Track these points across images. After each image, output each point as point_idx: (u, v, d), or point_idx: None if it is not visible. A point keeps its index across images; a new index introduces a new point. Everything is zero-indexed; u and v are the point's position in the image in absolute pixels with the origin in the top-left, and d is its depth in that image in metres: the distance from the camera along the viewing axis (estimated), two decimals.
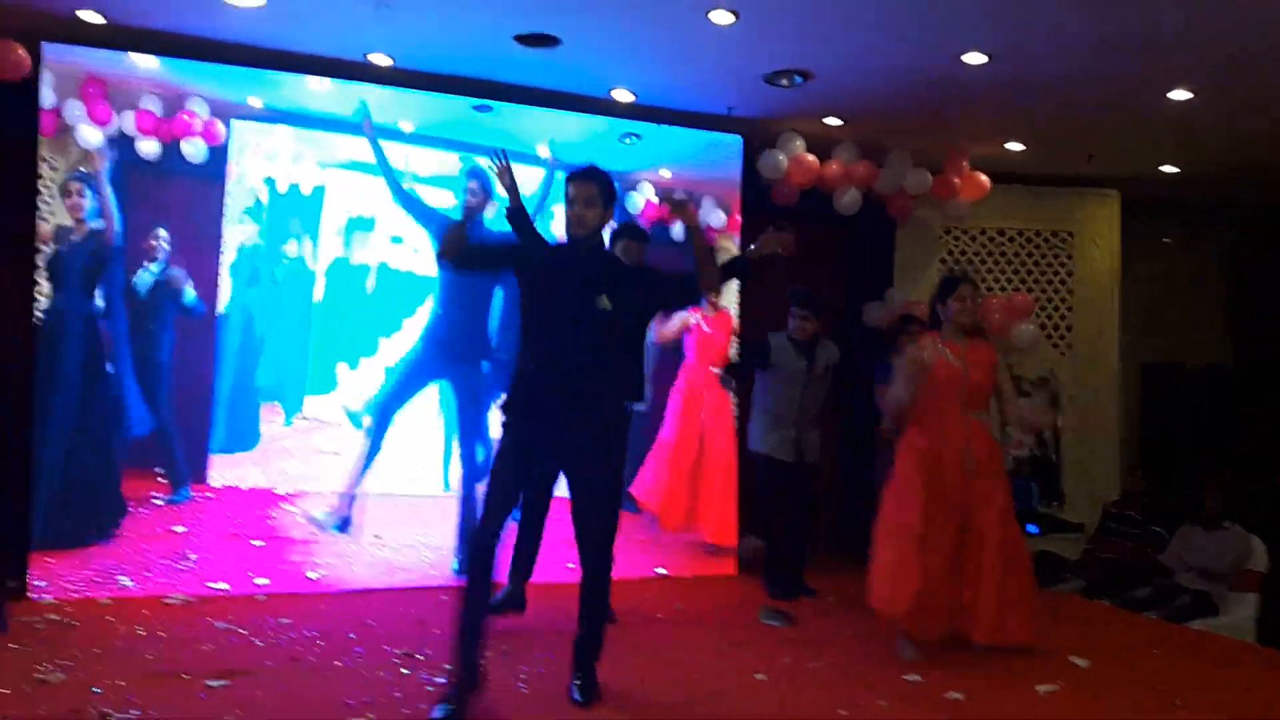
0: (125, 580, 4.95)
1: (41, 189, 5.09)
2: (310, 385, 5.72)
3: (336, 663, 3.98)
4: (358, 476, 5.39)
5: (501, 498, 3.48)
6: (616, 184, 3.71)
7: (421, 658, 4.07)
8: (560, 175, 5.36)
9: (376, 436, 5.36)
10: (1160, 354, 8.67)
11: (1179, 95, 5.62)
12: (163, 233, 5.30)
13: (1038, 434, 7.52)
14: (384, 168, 5.46)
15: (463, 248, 3.72)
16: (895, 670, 4.14)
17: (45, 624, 4.36)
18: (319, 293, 5.69)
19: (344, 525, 5.43)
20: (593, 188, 3.56)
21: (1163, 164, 7.11)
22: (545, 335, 3.51)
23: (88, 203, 5.02)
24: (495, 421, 4.18)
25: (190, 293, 5.33)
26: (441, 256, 3.75)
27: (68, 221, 5.06)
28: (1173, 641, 4.96)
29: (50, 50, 5.02)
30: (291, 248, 5.66)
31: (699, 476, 6.21)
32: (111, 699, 3.42)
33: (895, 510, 4.35)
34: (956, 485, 4.35)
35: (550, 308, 3.51)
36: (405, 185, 5.48)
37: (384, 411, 5.37)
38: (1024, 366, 7.57)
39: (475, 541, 3.53)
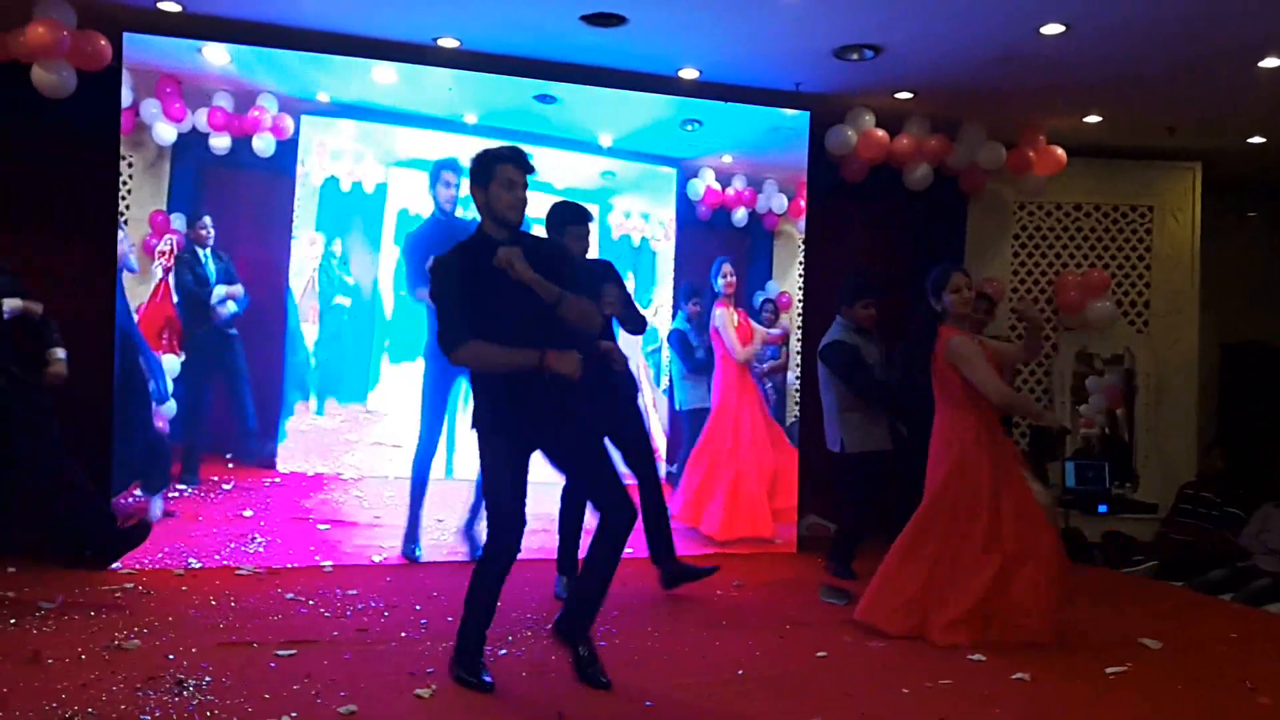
0: (194, 563, 5.09)
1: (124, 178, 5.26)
2: (371, 380, 5.81)
3: (401, 634, 4.07)
4: (409, 541, 5.43)
5: (513, 504, 3.44)
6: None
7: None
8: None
9: (417, 498, 5.40)
10: (1241, 333, 8.38)
11: (1269, 63, 5.40)
12: (207, 219, 5.41)
13: (1110, 414, 7.34)
14: None
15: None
16: (959, 650, 4.09)
17: (122, 593, 4.53)
18: (417, 294, 5.72)
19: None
20: (525, 174, 3.40)
21: (1250, 135, 6.86)
22: (505, 338, 3.33)
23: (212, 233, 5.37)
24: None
25: (232, 306, 5.46)
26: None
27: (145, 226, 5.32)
28: (1249, 625, 4.82)
29: (130, 41, 5.16)
30: (356, 246, 5.73)
31: (736, 459, 6.15)
32: (185, 666, 3.54)
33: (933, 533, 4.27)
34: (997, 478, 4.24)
35: (501, 311, 3.33)
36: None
37: (422, 468, 5.38)
38: (1099, 344, 7.40)
39: (502, 551, 3.48)
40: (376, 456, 5.71)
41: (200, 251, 5.38)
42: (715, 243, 5.65)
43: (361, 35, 5.46)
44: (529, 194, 3.44)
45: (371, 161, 5.69)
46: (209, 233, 5.40)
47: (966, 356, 4.20)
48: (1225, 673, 3.95)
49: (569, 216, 4.46)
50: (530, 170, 3.42)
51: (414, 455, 5.40)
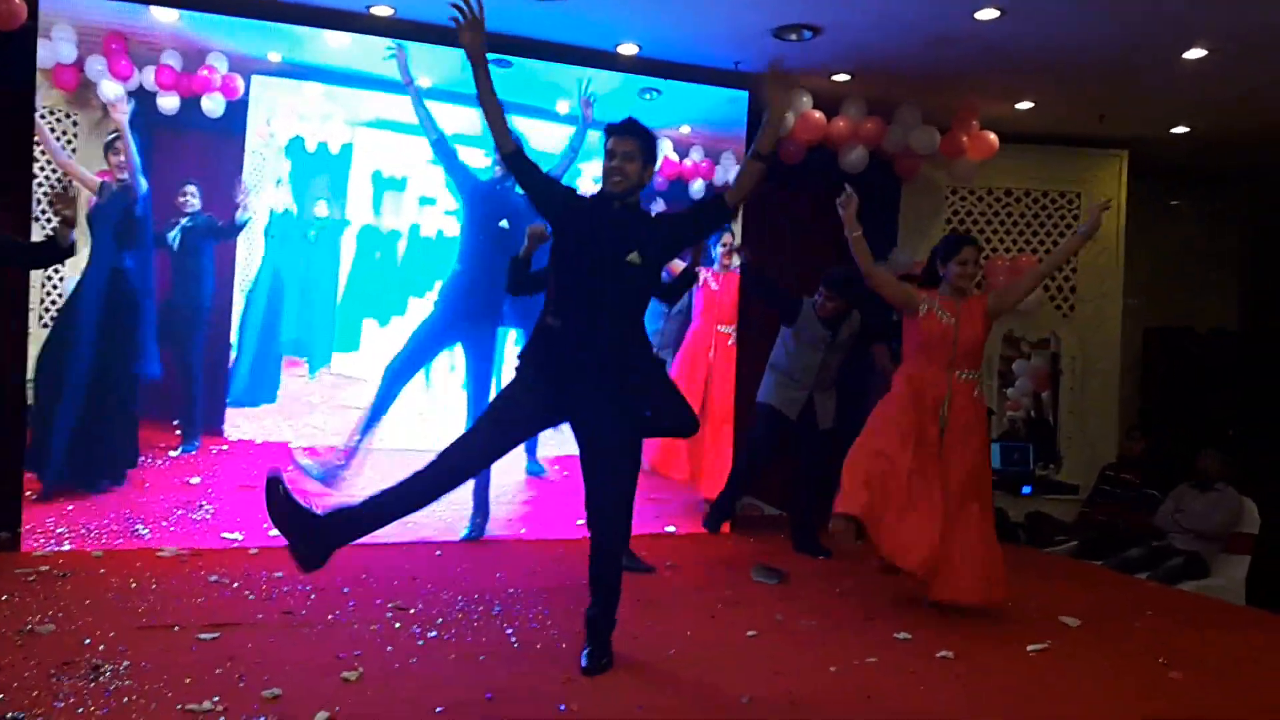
0: (141, 529, 4.99)
1: (38, 140, 5.05)
2: (339, 342, 5.74)
3: (329, 616, 4.00)
4: (359, 434, 5.38)
5: (490, 435, 3.44)
6: (656, 141, 3.59)
7: (412, 611, 4.09)
8: (595, 132, 5.33)
9: (384, 398, 5.36)
10: (1164, 318, 8.62)
11: (1194, 53, 5.52)
12: (192, 188, 5.31)
13: (1035, 396, 7.51)
14: (424, 119, 5.38)
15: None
16: (885, 628, 4.16)
17: (37, 576, 4.37)
18: (349, 252, 5.67)
19: (328, 477, 5.32)
20: (633, 143, 3.48)
21: (1174, 125, 7.02)
22: (575, 289, 3.46)
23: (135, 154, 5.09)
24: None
25: (244, 213, 5.35)
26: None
27: (97, 177, 5.12)
28: (1163, 602, 4.98)
29: (48, 5, 4.94)
30: (321, 207, 5.64)
31: (700, 436, 6.20)
32: (101, 650, 3.44)
33: (870, 437, 4.40)
34: (932, 438, 4.37)
35: (582, 263, 3.46)
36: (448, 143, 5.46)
37: (396, 375, 5.36)
38: (1026, 329, 7.54)
39: (450, 463, 3.43)
40: (341, 420, 5.60)
41: (178, 220, 5.27)
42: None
43: (294, 1, 5.30)
44: None
45: (338, 123, 5.59)
46: (189, 200, 5.29)
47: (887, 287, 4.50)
48: (1141, 649, 4.08)
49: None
50: (620, 134, 3.49)
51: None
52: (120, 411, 5.13)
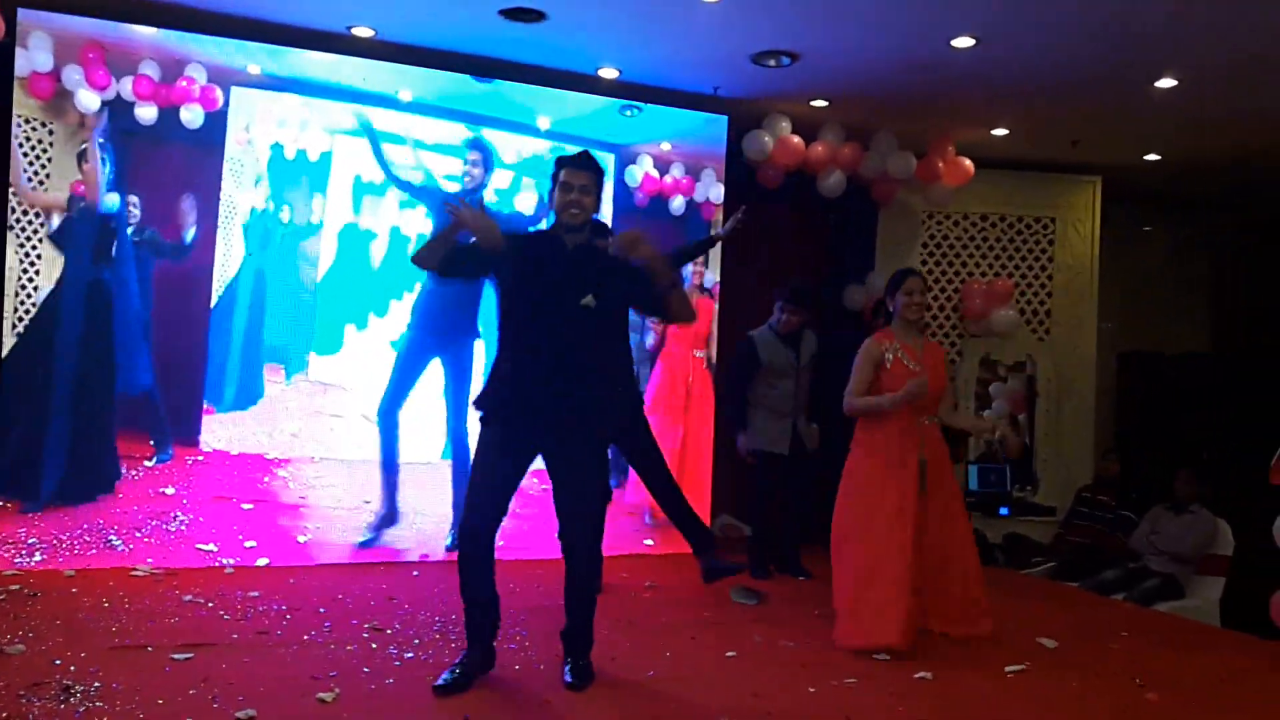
0: (115, 541, 4.95)
1: (17, 152, 5.04)
2: (317, 347, 5.71)
3: (304, 636, 3.96)
4: (387, 500, 5.44)
5: (488, 492, 3.44)
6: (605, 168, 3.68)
7: (389, 632, 4.06)
8: (548, 156, 5.38)
9: (389, 444, 5.41)
10: (1139, 342, 8.71)
11: (1164, 83, 5.62)
12: (134, 198, 5.27)
13: (1012, 419, 7.55)
14: (380, 165, 5.52)
15: (442, 254, 3.52)
16: (864, 650, 4.15)
17: (7, 595, 4.32)
18: (329, 256, 5.66)
19: (375, 539, 5.45)
20: (589, 176, 3.49)
21: (1146, 152, 7.13)
22: (529, 332, 3.45)
23: (107, 169, 5.05)
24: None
25: (188, 234, 5.34)
26: (416, 263, 3.53)
27: (69, 190, 5.09)
28: (1139, 623, 5.00)
29: (26, 16, 4.94)
30: (300, 212, 5.62)
31: (683, 461, 6.22)
32: (73, 671, 3.39)
33: (849, 531, 4.33)
34: (910, 491, 4.27)
35: (534, 304, 3.44)
36: (398, 171, 5.59)
37: (389, 413, 5.39)
38: (1003, 352, 7.60)
39: (465, 535, 3.48)
40: (317, 427, 5.60)
41: (127, 230, 5.23)
42: (652, 231, 5.61)
43: (275, 21, 5.32)
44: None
45: (316, 130, 5.60)
46: (132, 211, 5.24)
47: (858, 357, 4.40)
48: (1117, 670, 4.09)
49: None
50: (578, 167, 3.48)
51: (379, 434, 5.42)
52: (105, 423, 5.13)
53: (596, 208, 3.57)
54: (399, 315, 5.68)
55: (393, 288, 5.76)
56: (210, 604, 4.34)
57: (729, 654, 4.04)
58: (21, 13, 4.94)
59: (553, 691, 3.46)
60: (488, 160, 5.52)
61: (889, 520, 4.23)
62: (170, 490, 5.26)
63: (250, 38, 5.37)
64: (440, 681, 3.39)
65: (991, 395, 7.61)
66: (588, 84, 6.05)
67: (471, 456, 3.56)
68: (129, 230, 5.26)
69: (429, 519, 5.63)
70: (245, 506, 5.37)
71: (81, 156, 5.09)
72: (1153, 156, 7.19)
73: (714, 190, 6.40)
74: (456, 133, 5.77)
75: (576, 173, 3.49)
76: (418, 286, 5.55)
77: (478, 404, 3.53)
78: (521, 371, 3.45)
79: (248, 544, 5.19)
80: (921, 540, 4.29)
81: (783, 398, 5.50)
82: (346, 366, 5.66)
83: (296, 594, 4.58)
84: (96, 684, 3.27)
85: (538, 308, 3.44)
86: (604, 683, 3.57)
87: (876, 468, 4.33)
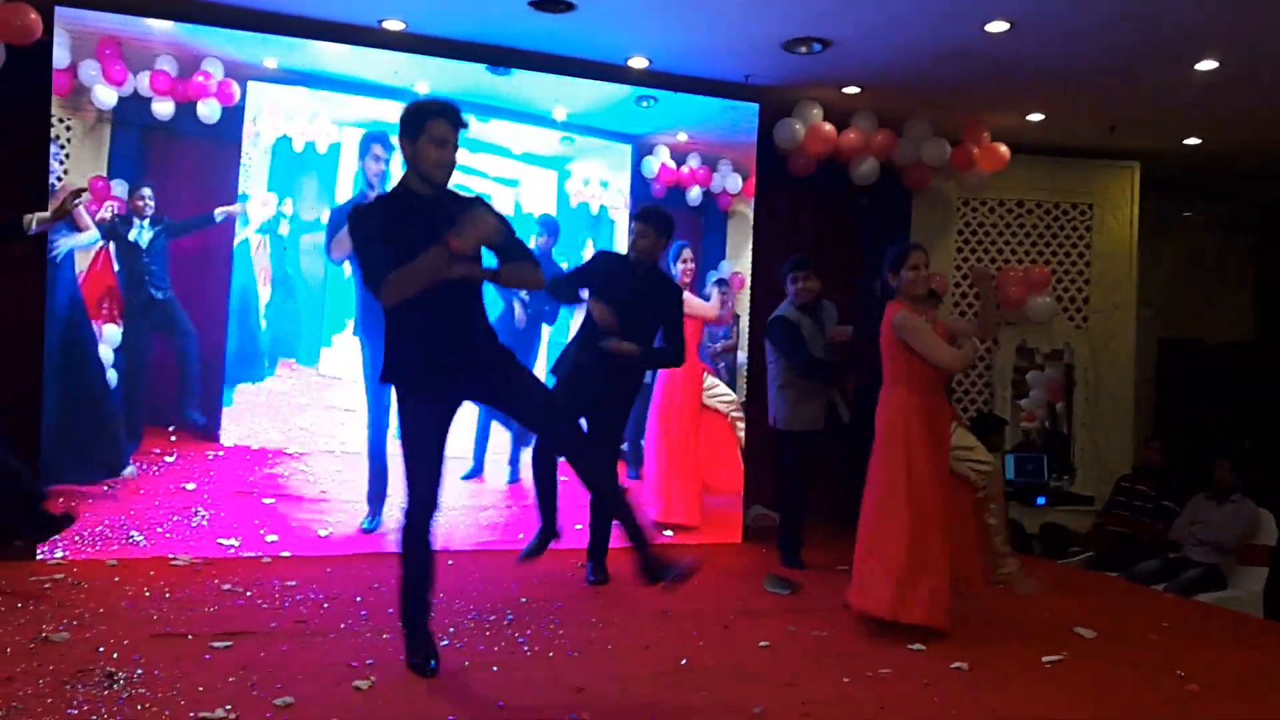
0: (136, 536, 5.01)
1: (55, 150, 5.10)
2: (325, 341, 5.71)
3: (341, 625, 4.00)
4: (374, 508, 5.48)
5: (426, 477, 3.40)
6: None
7: None
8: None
9: (377, 471, 5.44)
10: (1177, 330, 8.58)
11: (1205, 65, 5.52)
12: (147, 191, 5.29)
13: (1050, 407, 7.47)
14: None
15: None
16: (900, 639, 4.12)
17: (52, 584, 4.40)
18: (334, 252, 5.66)
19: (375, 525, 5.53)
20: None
21: (1186, 136, 7.01)
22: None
23: (151, 204, 5.25)
24: None
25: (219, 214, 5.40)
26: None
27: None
28: (1179, 614, 4.93)
29: (63, 13, 5.00)
30: (307, 205, 5.63)
31: (714, 461, 6.20)
32: (115, 658, 3.45)
33: (880, 514, 4.28)
34: (936, 468, 4.26)
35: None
36: None
37: (377, 442, 5.41)
38: (1040, 340, 7.52)
39: (411, 515, 3.40)
40: (328, 421, 5.62)
41: (137, 222, 5.27)
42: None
43: (304, 15, 5.35)
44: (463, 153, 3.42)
45: (325, 122, 5.59)
46: (146, 204, 5.27)
47: (913, 328, 4.19)
48: (1157, 661, 4.04)
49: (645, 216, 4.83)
50: (463, 126, 3.31)
51: (368, 432, 5.43)
52: (92, 408, 5.15)
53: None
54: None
55: None
56: (249, 593, 4.40)
57: (762, 644, 4.03)
58: (59, 10, 4.98)
59: (587, 679, 3.47)
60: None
61: (907, 493, 4.18)
62: (191, 486, 5.29)
63: (280, 32, 5.39)
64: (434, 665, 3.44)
65: (1029, 384, 7.53)
66: (618, 74, 6.04)
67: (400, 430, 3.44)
68: (145, 221, 5.30)
69: (454, 510, 5.66)
70: (267, 501, 5.40)
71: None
72: (1193, 141, 7.07)
73: (731, 180, 6.35)
74: (471, 124, 5.73)
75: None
76: None
77: (386, 379, 3.38)
78: (423, 334, 3.30)
79: (269, 539, 5.22)
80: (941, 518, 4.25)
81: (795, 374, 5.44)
82: (355, 360, 5.61)
83: (333, 583, 4.62)
84: (139, 671, 3.33)
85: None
86: (637, 674, 3.58)
87: (914, 445, 4.22)
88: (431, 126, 3.24)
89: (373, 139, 5.48)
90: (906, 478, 4.19)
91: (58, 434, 5.04)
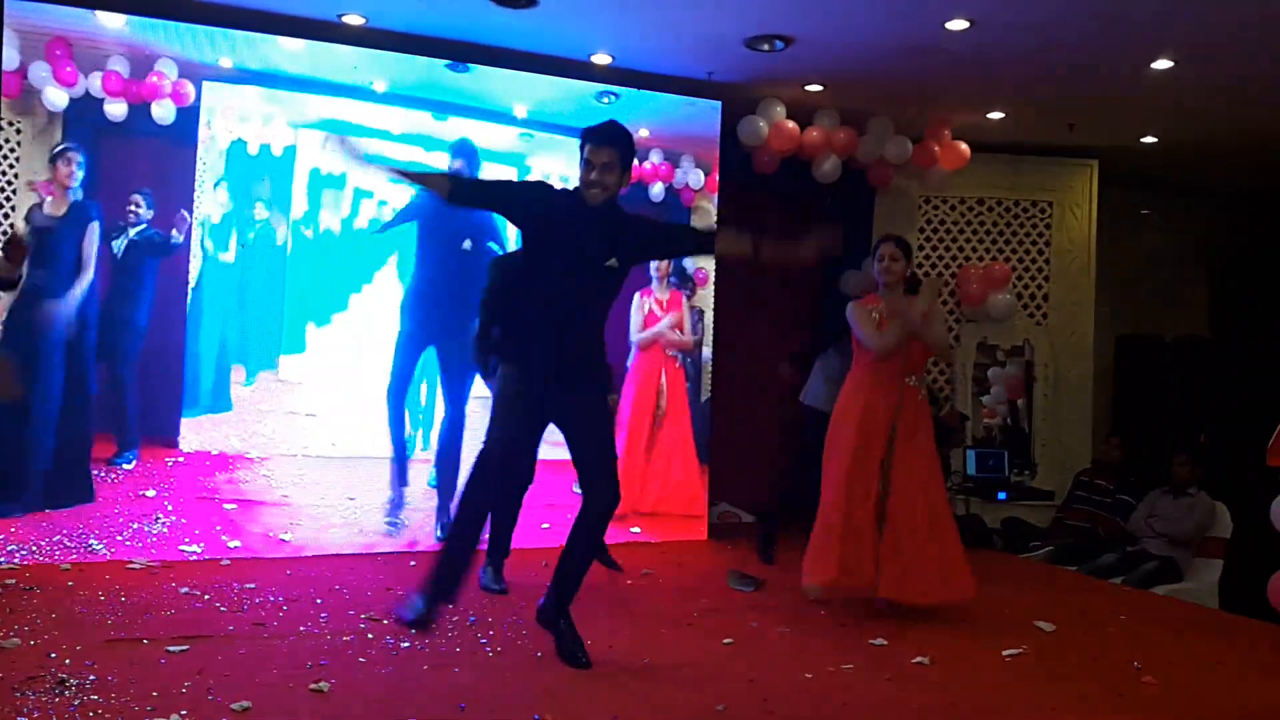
0: (95, 544, 4.91)
1: (4, 153, 5.00)
2: (285, 346, 5.66)
3: (300, 628, 3.95)
4: (397, 476, 5.49)
5: (514, 442, 3.53)
6: (634, 142, 3.57)
7: (386, 622, 4.04)
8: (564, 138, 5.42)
9: (398, 429, 5.44)
10: (1137, 326, 8.69)
11: (1161, 64, 5.58)
12: (139, 198, 5.22)
13: (1010, 403, 7.54)
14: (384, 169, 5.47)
15: (466, 180, 3.81)
16: (861, 635, 4.15)
17: (3, 590, 4.30)
18: (290, 253, 5.62)
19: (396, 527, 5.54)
20: (613, 152, 3.44)
21: (1144, 135, 7.09)
22: (551, 287, 3.46)
23: (80, 173, 4.98)
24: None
25: (178, 236, 5.28)
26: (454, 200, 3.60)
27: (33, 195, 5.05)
28: (1137, 607, 5.00)
29: (13, 8, 4.89)
30: (261, 210, 5.57)
31: (656, 457, 6.20)
32: (68, 664, 3.38)
33: (825, 486, 4.51)
34: (880, 450, 4.42)
35: (560, 262, 3.44)
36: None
37: (397, 394, 5.41)
38: (1000, 336, 7.59)
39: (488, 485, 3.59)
40: (289, 427, 5.57)
41: (131, 230, 5.22)
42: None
43: (263, 10, 5.28)
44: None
45: (280, 124, 5.53)
46: (136, 211, 5.19)
47: (852, 314, 4.51)
48: (1115, 654, 4.09)
49: None
50: (610, 144, 3.45)
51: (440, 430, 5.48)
52: (86, 433, 5.12)
53: (622, 182, 3.50)
54: (359, 310, 5.67)
55: (352, 282, 5.71)
56: (206, 596, 4.33)
57: (725, 641, 4.04)
58: (6, 2, 4.87)
59: (549, 679, 3.46)
60: (472, 163, 5.53)
61: (847, 469, 4.39)
62: (151, 493, 5.22)
63: (238, 26, 5.32)
64: (409, 615, 3.57)
65: (989, 380, 7.60)
66: (580, 70, 6.01)
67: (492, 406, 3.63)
68: (133, 231, 5.21)
69: (419, 512, 5.61)
70: (228, 506, 5.33)
71: (60, 156, 4.99)
72: (1150, 139, 7.16)
73: (693, 176, 6.36)
74: (427, 122, 5.71)
75: (598, 150, 3.43)
76: (390, 260, 5.50)
77: (501, 353, 3.63)
78: (536, 323, 3.50)
79: (231, 544, 5.14)
80: (889, 501, 4.38)
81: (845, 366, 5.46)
82: (313, 364, 5.59)
83: (293, 586, 4.57)
84: (92, 677, 3.26)
85: (559, 263, 3.46)
86: (600, 671, 3.56)
87: (850, 419, 4.46)
88: (581, 150, 3.50)
89: (455, 153, 5.57)
90: (852, 451, 4.40)
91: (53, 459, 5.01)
